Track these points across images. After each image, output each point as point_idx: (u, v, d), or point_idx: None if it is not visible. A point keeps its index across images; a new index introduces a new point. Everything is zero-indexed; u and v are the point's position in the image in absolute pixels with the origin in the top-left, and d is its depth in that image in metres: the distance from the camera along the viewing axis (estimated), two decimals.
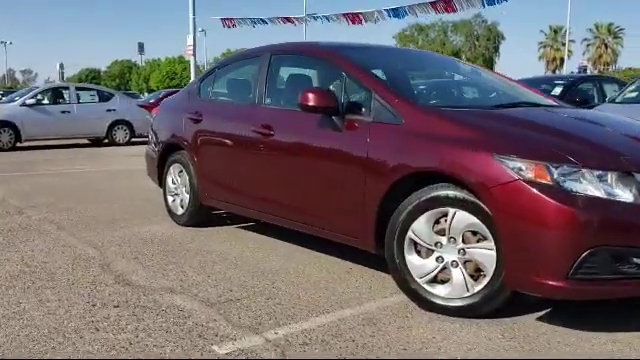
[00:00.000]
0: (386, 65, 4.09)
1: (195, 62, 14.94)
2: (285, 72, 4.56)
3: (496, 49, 72.90)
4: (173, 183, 5.45)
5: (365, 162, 3.43)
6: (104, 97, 15.63)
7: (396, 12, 14.00)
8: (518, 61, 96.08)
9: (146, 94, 37.30)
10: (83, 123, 14.86)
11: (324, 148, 3.74)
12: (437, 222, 3.12)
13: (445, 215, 3.08)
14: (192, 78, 14.78)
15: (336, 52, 4.01)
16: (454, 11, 13.59)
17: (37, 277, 3.80)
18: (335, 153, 3.66)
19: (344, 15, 15.29)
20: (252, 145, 4.34)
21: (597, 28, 68.44)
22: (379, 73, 3.79)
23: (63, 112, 14.66)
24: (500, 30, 72.00)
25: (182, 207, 5.34)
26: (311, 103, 3.62)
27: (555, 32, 70.95)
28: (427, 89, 4.07)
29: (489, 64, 71.17)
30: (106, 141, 15.56)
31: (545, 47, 70.97)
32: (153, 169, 5.74)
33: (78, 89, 15.54)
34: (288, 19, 17.93)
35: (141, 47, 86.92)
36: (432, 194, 3.09)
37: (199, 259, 4.26)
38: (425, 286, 3.16)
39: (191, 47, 14.53)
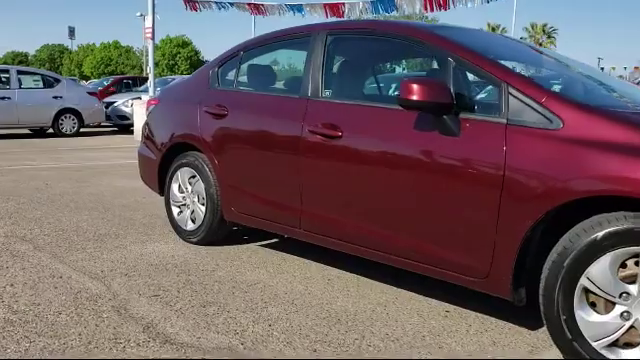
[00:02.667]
0: (505, 54, 3.22)
1: (154, 46, 13.58)
2: (351, 57, 3.63)
3: None
4: (181, 191, 4.42)
5: (501, 179, 2.56)
6: (49, 83, 14.07)
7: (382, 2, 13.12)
8: None
9: (82, 81, 35.10)
10: (26, 111, 13.33)
11: (428, 156, 2.85)
12: (623, 266, 2.30)
13: (636, 256, 2.26)
14: (150, 63, 13.47)
15: (437, 33, 3.10)
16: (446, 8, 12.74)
17: (33, 331, 2.74)
18: (446, 164, 2.77)
19: (324, 5, 14.22)
20: (307, 149, 3.39)
21: (532, 27, 70.20)
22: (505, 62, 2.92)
23: (3, 98, 13.06)
24: None
25: (193, 221, 4.33)
26: (416, 97, 2.72)
27: (493, 30, 72.38)
28: (561, 84, 3.23)
29: None
30: (51, 131, 14.06)
31: None
32: (151, 173, 4.67)
33: (20, 73, 13.88)
34: (259, 6, 16.71)
35: (72, 31, 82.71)
36: (619, 227, 2.26)
37: (242, 296, 3.28)
38: (603, 351, 2.33)
39: (150, 29, 13.17)
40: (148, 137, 4.76)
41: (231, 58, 4.25)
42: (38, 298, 3.17)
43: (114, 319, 2.90)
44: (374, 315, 3.05)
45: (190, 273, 3.67)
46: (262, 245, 4.38)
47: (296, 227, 3.57)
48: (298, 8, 15.07)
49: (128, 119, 15.42)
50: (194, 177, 4.29)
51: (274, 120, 3.66)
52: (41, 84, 13.97)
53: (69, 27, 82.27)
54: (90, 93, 15.04)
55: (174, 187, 4.46)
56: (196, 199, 4.29)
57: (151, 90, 13.62)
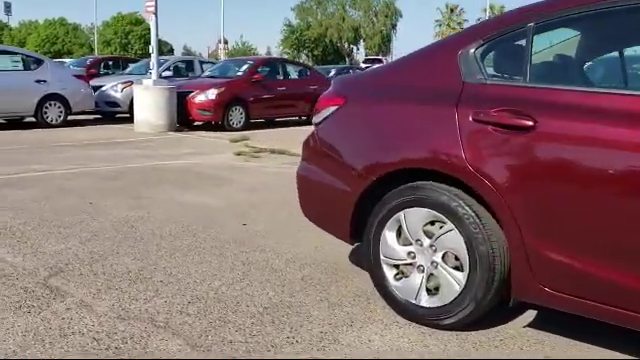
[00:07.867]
0: None
1: (157, 22, 11.62)
2: None
3: (394, 26, 72.28)
4: (404, 244, 2.82)
5: None
6: (30, 64, 11.93)
7: None
8: (415, 39, 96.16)
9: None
10: (3, 98, 11.18)
11: None
12: None
13: None
14: (153, 42, 11.52)
15: None
16: None
17: None
18: None
19: None
20: None
21: (491, 8, 70.01)
22: None
23: None
24: (398, 7, 71.48)
25: (431, 292, 2.75)
26: None
27: (451, 10, 72.01)
28: None
29: (387, 41, 70.59)
30: (32, 120, 11.95)
31: (441, 25, 71.74)
32: (338, 211, 3.03)
33: None
34: None
35: (8, 7, 77.35)
36: None
37: None
38: None
39: (152, 5, 11.23)
40: (327, 155, 3.12)
41: (505, 33, 2.64)
42: None
43: None
44: None
45: None
46: (527, 327, 2.85)
47: None
48: None
49: (119, 106, 13.43)
50: (436, 223, 2.71)
51: None
52: (21, 65, 11.81)
53: (5, 2, 76.81)
54: (76, 76, 12.93)
55: (388, 236, 2.85)
56: (439, 258, 2.71)
57: (154, 73, 11.70)
